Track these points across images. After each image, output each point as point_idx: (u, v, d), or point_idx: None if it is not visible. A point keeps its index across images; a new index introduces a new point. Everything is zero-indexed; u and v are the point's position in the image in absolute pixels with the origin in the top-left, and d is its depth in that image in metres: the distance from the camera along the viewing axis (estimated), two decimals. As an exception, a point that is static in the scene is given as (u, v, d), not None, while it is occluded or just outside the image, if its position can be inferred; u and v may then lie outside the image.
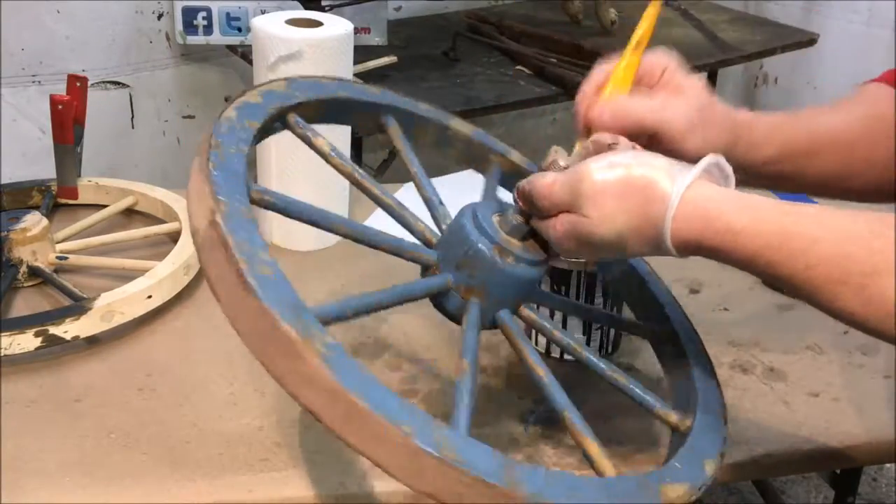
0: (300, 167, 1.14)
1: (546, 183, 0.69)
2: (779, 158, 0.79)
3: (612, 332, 0.98)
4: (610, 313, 0.94)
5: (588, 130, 0.75)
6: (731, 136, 0.77)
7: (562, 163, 0.73)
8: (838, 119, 0.81)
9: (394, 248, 0.74)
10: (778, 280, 0.64)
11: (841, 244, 0.61)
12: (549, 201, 0.69)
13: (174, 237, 1.11)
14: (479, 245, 0.72)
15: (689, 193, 0.65)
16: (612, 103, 0.74)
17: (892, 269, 0.58)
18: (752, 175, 0.79)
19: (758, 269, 0.65)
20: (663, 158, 0.67)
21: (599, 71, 0.77)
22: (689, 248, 0.66)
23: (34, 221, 1.06)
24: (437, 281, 0.73)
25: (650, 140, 0.73)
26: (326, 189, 1.15)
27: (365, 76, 1.75)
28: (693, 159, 0.68)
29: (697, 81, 0.77)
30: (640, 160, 0.67)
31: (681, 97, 0.76)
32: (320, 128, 0.80)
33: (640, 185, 0.65)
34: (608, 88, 0.76)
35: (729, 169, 0.69)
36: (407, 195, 0.88)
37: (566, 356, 0.97)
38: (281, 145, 1.12)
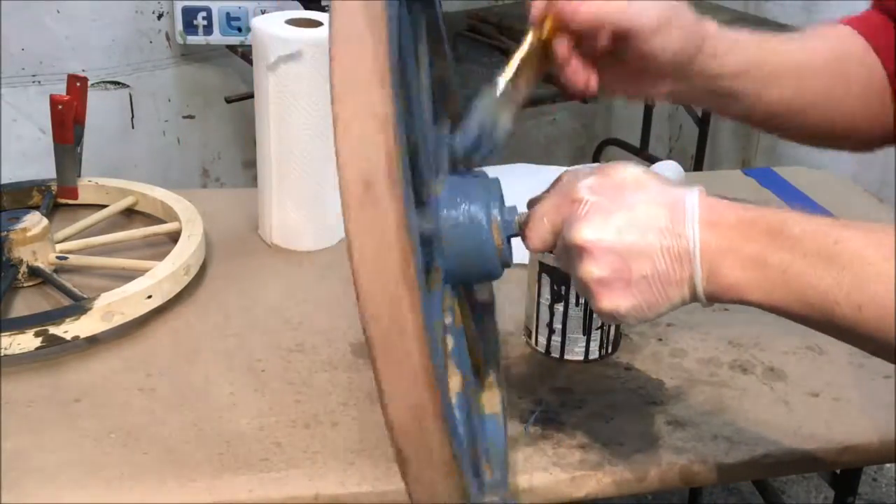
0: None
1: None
2: (738, 74, 0.77)
3: (612, 331, 0.98)
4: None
5: (541, 23, 0.71)
6: (696, 40, 0.75)
7: (501, 80, 0.71)
8: (804, 48, 0.81)
9: None
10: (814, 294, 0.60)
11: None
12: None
13: (174, 237, 1.11)
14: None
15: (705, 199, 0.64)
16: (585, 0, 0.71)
17: None
18: (707, 91, 0.77)
19: (804, 285, 0.60)
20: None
21: None
22: (724, 255, 0.62)
23: (34, 221, 1.06)
24: None
25: (615, 40, 0.71)
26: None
27: (365, 76, 1.75)
28: (658, 61, 0.69)
29: None
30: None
31: None
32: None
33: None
34: None
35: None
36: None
37: (566, 356, 0.97)
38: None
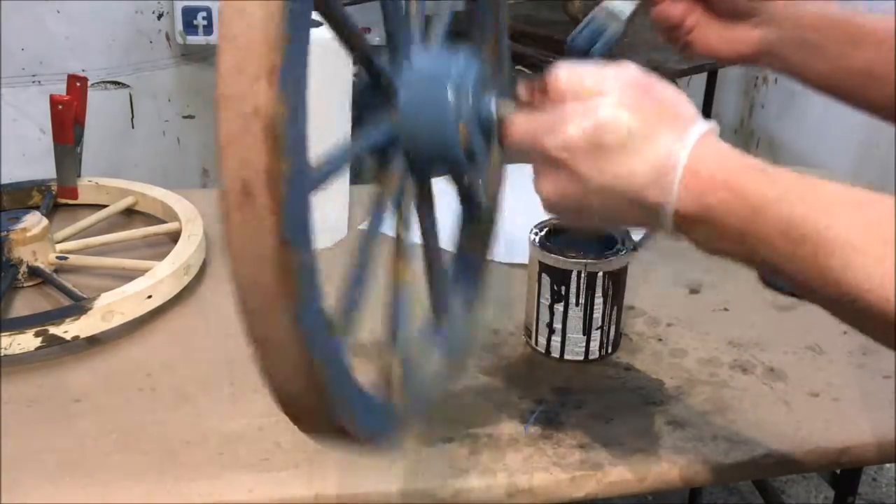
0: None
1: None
2: (823, 26, 0.79)
3: (612, 331, 0.98)
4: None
5: None
6: None
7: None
8: (886, 19, 0.81)
9: None
10: (784, 244, 0.56)
11: (863, 208, 0.56)
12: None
13: (174, 237, 1.11)
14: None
15: (704, 138, 0.60)
16: None
17: None
18: (794, 43, 0.80)
19: (768, 227, 0.56)
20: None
21: None
22: (701, 181, 0.58)
23: (34, 221, 1.06)
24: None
25: None
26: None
27: (365, 76, 1.75)
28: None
29: None
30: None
31: None
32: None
33: (666, 94, 0.61)
34: None
35: None
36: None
37: (566, 356, 0.97)
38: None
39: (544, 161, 0.61)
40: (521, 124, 0.62)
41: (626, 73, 0.61)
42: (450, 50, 0.66)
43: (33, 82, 1.95)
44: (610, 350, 0.98)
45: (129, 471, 0.80)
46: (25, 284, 1.06)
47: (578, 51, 0.79)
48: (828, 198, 0.57)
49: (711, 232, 0.58)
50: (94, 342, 0.97)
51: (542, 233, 0.97)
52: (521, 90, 0.63)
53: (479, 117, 0.64)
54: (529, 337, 0.99)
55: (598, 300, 0.95)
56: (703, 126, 0.60)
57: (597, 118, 0.58)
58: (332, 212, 1.15)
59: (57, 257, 1.07)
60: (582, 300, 0.94)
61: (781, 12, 0.79)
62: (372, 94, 0.64)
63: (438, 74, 0.63)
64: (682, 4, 0.83)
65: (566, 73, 0.61)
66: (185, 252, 1.05)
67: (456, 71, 0.63)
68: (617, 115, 0.58)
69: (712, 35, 0.83)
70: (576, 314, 0.95)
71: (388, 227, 0.64)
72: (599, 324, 0.96)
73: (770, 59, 0.83)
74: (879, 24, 0.80)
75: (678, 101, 0.61)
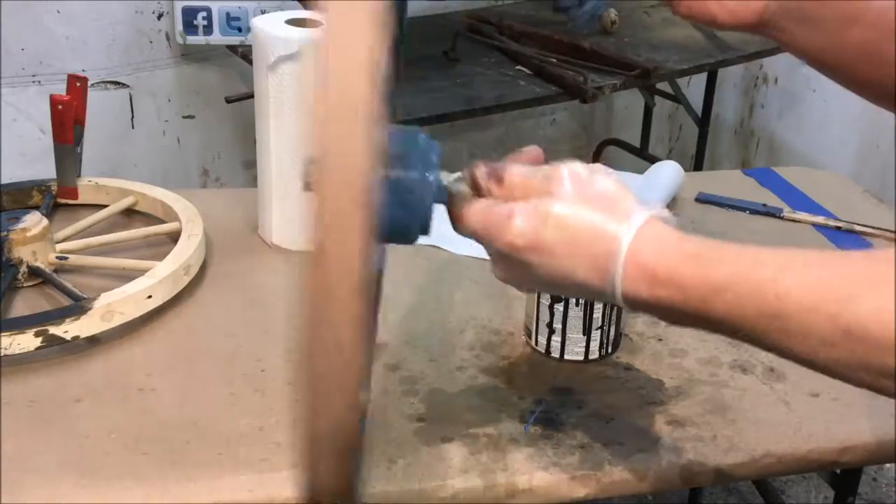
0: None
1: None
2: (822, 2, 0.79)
3: (612, 331, 0.98)
4: None
5: None
6: None
7: None
8: None
9: None
10: (740, 322, 0.58)
11: (810, 267, 0.56)
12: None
13: (174, 237, 1.11)
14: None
15: (644, 228, 0.62)
16: None
17: (865, 293, 0.53)
18: (794, 15, 0.79)
19: (717, 310, 0.58)
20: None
21: None
22: (645, 275, 0.60)
23: (34, 221, 1.06)
24: None
25: None
26: None
27: (365, 76, 1.75)
28: None
29: None
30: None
31: None
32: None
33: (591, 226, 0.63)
34: None
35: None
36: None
37: (566, 356, 0.97)
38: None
39: (496, 252, 0.66)
40: (475, 215, 0.66)
41: (572, 170, 0.64)
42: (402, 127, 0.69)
43: (33, 82, 1.95)
44: (610, 350, 0.99)
45: (129, 471, 0.80)
46: (25, 284, 1.06)
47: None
48: (775, 264, 0.57)
49: (670, 316, 0.62)
50: (94, 342, 0.97)
51: (542, 233, 0.97)
52: (478, 173, 0.67)
53: (435, 193, 0.67)
54: (529, 337, 0.99)
55: (598, 304, 0.95)
56: (643, 215, 0.62)
57: (543, 219, 0.62)
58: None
59: (57, 257, 1.07)
60: (582, 300, 0.94)
61: None
62: None
63: (408, 153, 0.66)
64: None
65: (519, 171, 0.66)
66: (185, 252, 1.05)
67: (421, 150, 0.67)
68: (562, 215, 0.62)
69: (712, 1, 0.82)
70: (576, 314, 0.95)
71: None
72: (599, 324, 0.96)
73: (769, 29, 0.82)
74: (876, 4, 0.78)
75: (620, 194, 0.64)
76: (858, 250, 0.58)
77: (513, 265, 0.65)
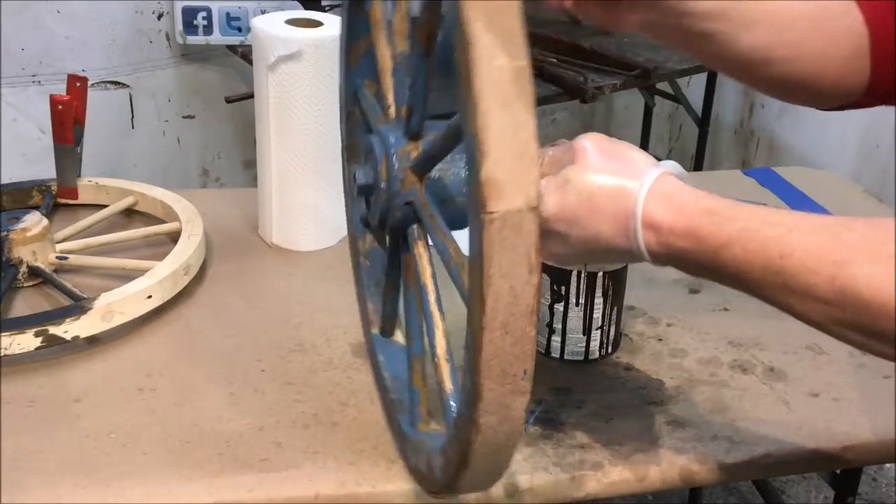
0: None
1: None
2: (709, 15, 0.76)
3: (612, 331, 0.98)
4: None
5: None
6: None
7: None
8: None
9: None
10: (746, 275, 0.63)
11: (815, 232, 0.60)
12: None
13: (174, 237, 1.11)
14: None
15: (658, 183, 0.65)
16: None
17: (862, 260, 0.57)
18: (679, 29, 0.77)
19: (727, 262, 0.63)
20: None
21: None
22: (661, 231, 0.64)
23: (34, 221, 1.06)
24: None
25: None
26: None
27: (365, 76, 1.75)
28: None
29: None
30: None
31: None
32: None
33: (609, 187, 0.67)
34: None
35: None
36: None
37: (566, 356, 0.97)
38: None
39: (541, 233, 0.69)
40: None
41: (593, 139, 0.69)
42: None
43: (33, 82, 1.96)
44: (610, 350, 0.99)
45: (129, 471, 0.80)
46: (25, 284, 1.06)
47: None
48: (783, 224, 0.61)
49: (687, 267, 0.66)
50: (94, 342, 0.97)
51: (542, 233, 0.97)
52: None
53: None
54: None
55: (598, 300, 0.95)
56: (656, 171, 0.66)
57: (563, 186, 0.66)
58: (333, 211, 1.15)
59: (57, 257, 1.07)
60: (582, 300, 0.95)
61: (666, 3, 0.75)
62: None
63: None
64: None
65: (551, 151, 0.70)
66: (185, 252, 1.05)
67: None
68: (579, 180, 0.66)
69: (596, 10, 0.78)
70: (576, 314, 0.95)
71: None
72: (599, 324, 0.96)
73: (657, 37, 0.81)
74: (772, 5, 0.77)
75: (637, 156, 0.68)
76: (861, 218, 0.61)
77: (551, 240, 0.68)
